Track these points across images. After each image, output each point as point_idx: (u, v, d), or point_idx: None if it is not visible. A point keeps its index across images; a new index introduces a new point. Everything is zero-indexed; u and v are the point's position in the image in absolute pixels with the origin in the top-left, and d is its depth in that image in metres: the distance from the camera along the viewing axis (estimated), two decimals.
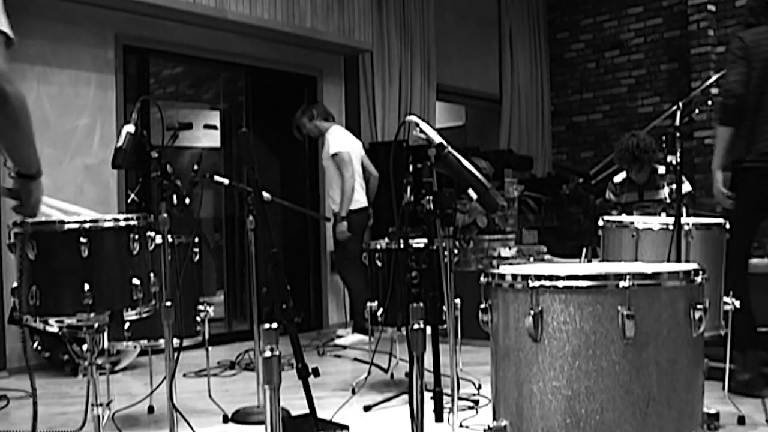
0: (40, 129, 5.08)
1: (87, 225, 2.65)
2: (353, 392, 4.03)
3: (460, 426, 3.28)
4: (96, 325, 2.69)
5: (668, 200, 4.50)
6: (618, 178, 4.91)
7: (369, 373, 4.17)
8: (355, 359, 5.21)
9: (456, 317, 3.62)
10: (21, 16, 5.01)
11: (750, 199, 3.75)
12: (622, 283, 1.83)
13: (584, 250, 5.22)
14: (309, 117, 6.00)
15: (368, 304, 4.05)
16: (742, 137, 3.77)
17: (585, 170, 7.57)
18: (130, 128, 2.82)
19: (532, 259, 6.72)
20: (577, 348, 1.84)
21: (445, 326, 2.76)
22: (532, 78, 9.20)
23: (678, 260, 2.95)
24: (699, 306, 1.90)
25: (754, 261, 4.09)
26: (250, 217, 3.63)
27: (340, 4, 7.02)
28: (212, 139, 7.06)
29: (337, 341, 5.86)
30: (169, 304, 2.82)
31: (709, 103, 6.84)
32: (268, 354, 1.74)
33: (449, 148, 2.50)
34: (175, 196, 2.85)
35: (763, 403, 3.33)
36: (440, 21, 8.05)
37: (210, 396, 3.78)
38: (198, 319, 3.62)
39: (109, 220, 2.71)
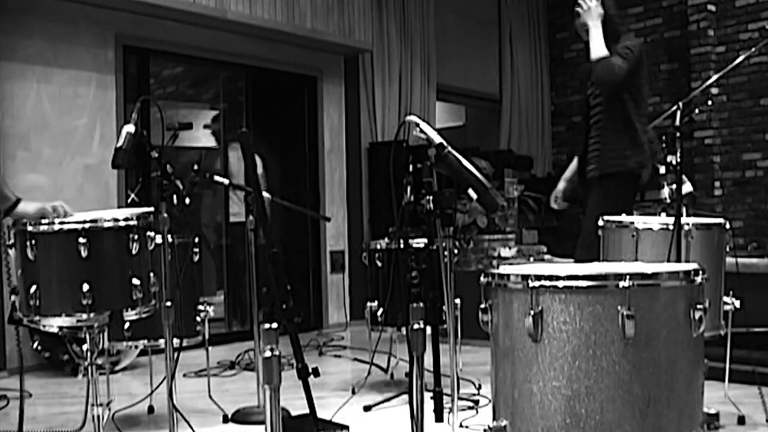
0: (40, 129, 5.09)
1: (87, 225, 2.65)
2: (353, 392, 4.03)
3: (460, 426, 3.27)
4: (96, 325, 2.69)
5: (668, 200, 4.50)
6: None
7: (369, 373, 4.17)
8: (355, 359, 5.21)
9: (456, 317, 3.61)
10: (21, 16, 5.01)
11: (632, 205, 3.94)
12: (622, 283, 1.83)
13: None
14: None
15: (368, 304, 4.05)
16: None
17: None
18: (130, 128, 2.82)
19: (532, 259, 6.72)
20: (577, 348, 1.84)
21: (445, 326, 2.76)
22: (532, 78, 9.20)
23: (678, 260, 2.95)
24: (699, 306, 1.90)
25: (754, 261, 4.09)
26: (250, 217, 3.63)
27: (340, 4, 7.02)
28: (212, 139, 7.07)
29: None
30: (169, 304, 2.82)
31: (710, 103, 6.85)
32: (268, 354, 1.74)
33: (449, 148, 2.50)
34: (175, 196, 2.85)
35: (763, 402, 3.33)
36: (440, 21, 8.05)
37: (210, 396, 3.78)
38: (198, 319, 3.62)
39: (108, 220, 2.71)
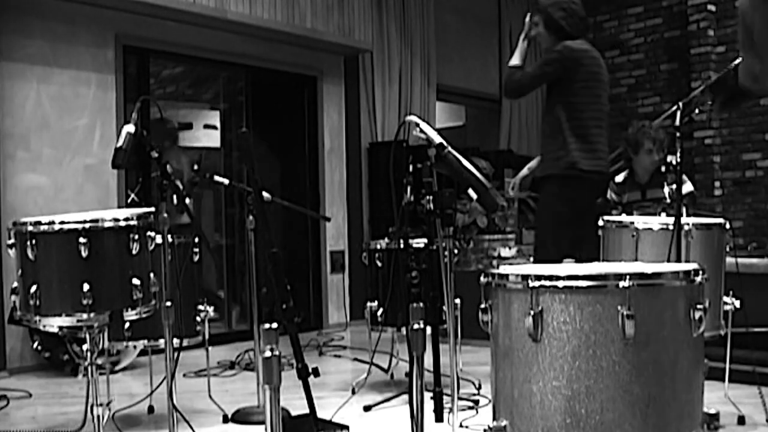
0: (40, 129, 5.09)
1: (87, 225, 2.65)
2: (353, 392, 4.03)
3: (460, 426, 3.27)
4: (96, 325, 2.69)
5: (668, 200, 4.50)
6: (619, 178, 4.91)
7: (369, 373, 4.17)
8: (355, 359, 5.21)
9: (456, 317, 3.61)
10: (21, 16, 5.01)
11: (582, 204, 4.00)
12: (622, 283, 1.83)
13: None
14: None
15: (368, 304, 4.05)
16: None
17: None
18: (130, 128, 2.82)
19: (532, 259, 6.71)
20: (577, 348, 1.84)
21: (445, 326, 2.76)
22: None
23: (678, 260, 2.95)
24: (699, 306, 1.90)
25: (754, 261, 4.09)
26: (250, 217, 3.63)
27: (340, 4, 7.02)
28: (212, 139, 7.07)
29: None
30: (169, 304, 2.82)
31: (710, 102, 6.85)
32: (268, 354, 1.74)
33: (449, 148, 2.50)
34: (175, 196, 2.85)
35: (763, 402, 3.33)
36: (440, 21, 8.05)
37: (210, 396, 3.78)
38: (198, 319, 3.62)
39: (109, 220, 2.71)
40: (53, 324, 2.74)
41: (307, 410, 2.18)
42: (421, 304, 2.22)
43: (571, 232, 4.00)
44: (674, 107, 3.17)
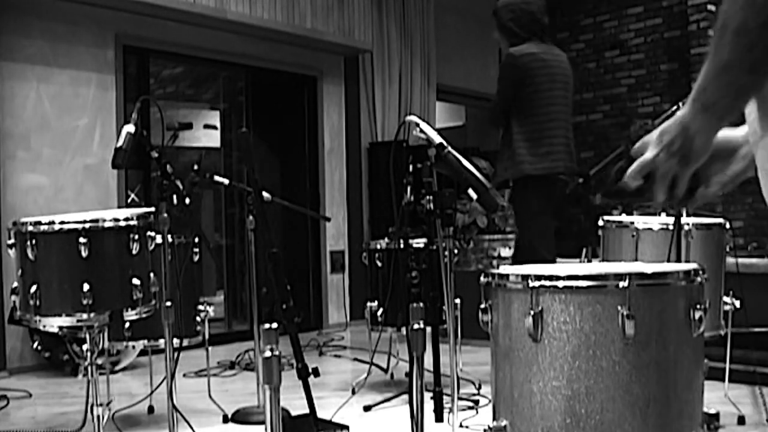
0: (40, 129, 5.09)
1: (87, 225, 2.65)
2: (353, 392, 4.03)
3: (460, 426, 3.27)
4: (96, 325, 2.69)
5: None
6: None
7: (369, 373, 4.17)
8: (355, 359, 5.21)
9: (456, 317, 3.62)
10: (21, 16, 5.01)
11: (540, 205, 4.12)
12: (621, 283, 1.83)
13: (584, 250, 5.21)
14: None
15: (368, 304, 4.05)
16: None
17: (585, 170, 7.57)
18: (130, 128, 2.82)
19: None
20: (577, 348, 1.84)
21: (445, 326, 2.76)
22: None
23: (678, 260, 2.95)
24: (699, 306, 1.90)
25: (754, 261, 4.09)
26: (250, 217, 3.63)
27: (340, 4, 7.02)
28: (212, 139, 7.06)
29: None
30: (169, 304, 2.82)
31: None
32: (268, 354, 1.74)
33: (449, 148, 2.50)
34: (175, 196, 2.85)
35: (764, 402, 3.33)
36: (440, 21, 8.05)
37: (210, 396, 3.78)
38: (198, 319, 3.62)
39: (109, 220, 2.71)
40: (53, 324, 2.74)
41: (307, 410, 2.18)
42: (421, 304, 2.22)
43: (536, 231, 4.14)
44: (674, 107, 3.17)
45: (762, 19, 1.00)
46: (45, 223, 2.65)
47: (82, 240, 2.61)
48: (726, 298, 3.16)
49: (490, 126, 4.38)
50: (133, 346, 3.64)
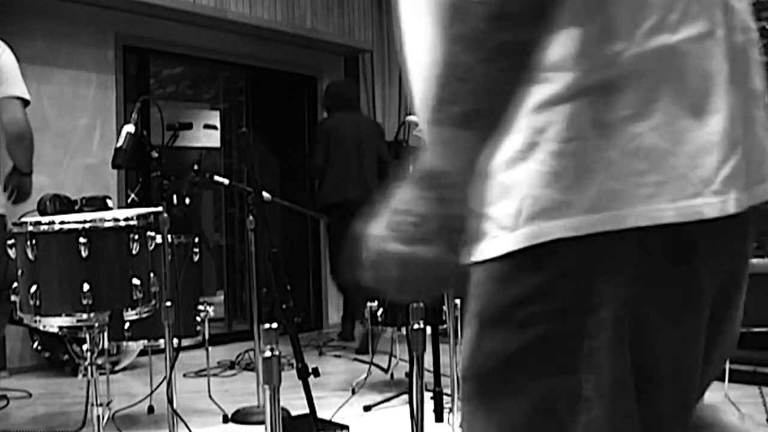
0: (41, 129, 5.07)
1: (87, 225, 2.64)
2: (353, 392, 4.03)
3: (460, 426, 3.27)
4: (96, 325, 2.69)
5: None
6: None
7: (369, 373, 4.17)
8: (355, 359, 5.21)
9: (456, 317, 3.61)
10: (21, 16, 5.01)
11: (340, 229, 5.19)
12: None
13: None
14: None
15: (368, 304, 4.05)
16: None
17: None
18: (130, 128, 2.82)
19: None
20: None
21: (445, 326, 2.76)
22: None
23: None
24: None
25: (754, 261, 4.08)
26: (250, 217, 3.63)
27: (340, 4, 7.02)
28: (212, 139, 7.06)
29: None
30: (169, 304, 2.82)
31: None
32: (268, 354, 1.74)
33: None
34: (175, 196, 2.85)
35: (764, 402, 3.33)
36: None
37: (210, 396, 3.78)
38: (198, 319, 3.62)
39: (109, 220, 2.71)
40: (53, 324, 2.73)
41: (307, 410, 2.18)
42: (421, 304, 2.22)
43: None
44: None
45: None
46: (45, 223, 2.65)
47: (82, 240, 2.61)
48: None
49: (313, 178, 5.93)
50: (134, 346, 3.64)
